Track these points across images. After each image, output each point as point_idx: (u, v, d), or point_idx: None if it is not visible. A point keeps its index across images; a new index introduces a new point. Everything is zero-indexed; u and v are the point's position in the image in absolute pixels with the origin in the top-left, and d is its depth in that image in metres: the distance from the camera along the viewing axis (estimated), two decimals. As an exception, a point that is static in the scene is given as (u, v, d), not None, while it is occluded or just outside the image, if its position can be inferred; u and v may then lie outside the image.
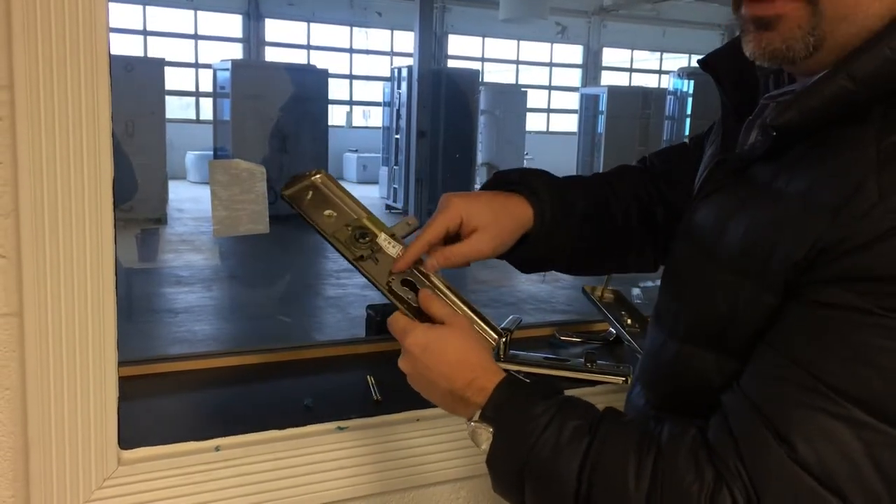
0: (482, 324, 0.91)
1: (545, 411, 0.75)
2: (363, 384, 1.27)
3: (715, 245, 0.77)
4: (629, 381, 1.34)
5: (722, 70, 0.84)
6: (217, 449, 1.05)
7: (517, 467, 0.75)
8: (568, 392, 1.28)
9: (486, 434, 0.78)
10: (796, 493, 0.64)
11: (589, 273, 1.15)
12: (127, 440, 1.00)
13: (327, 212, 0.90)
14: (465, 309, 0.91)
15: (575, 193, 1.03)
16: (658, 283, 0.95)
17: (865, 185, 0.64)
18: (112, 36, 0.93)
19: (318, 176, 0.93)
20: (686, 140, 1.13)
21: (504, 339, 1.42)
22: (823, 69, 0.72)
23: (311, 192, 0.92)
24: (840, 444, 0.63)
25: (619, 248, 1.07)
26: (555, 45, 17.39)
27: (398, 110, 11.29)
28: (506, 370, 0.82)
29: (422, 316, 0.85)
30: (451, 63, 15.68)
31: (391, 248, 0.90)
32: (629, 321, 1.56)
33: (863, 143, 0.67)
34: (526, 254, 0.99)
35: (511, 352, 1.43)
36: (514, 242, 0.97)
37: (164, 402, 1.22)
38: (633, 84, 17.16)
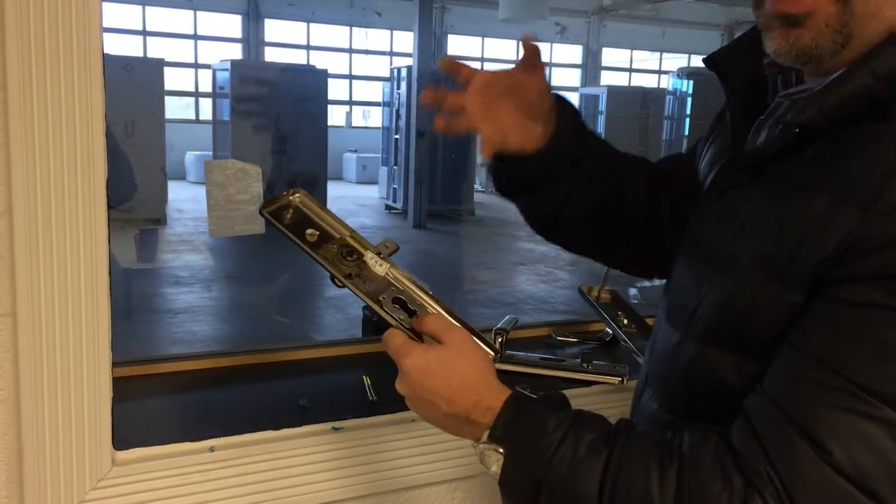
0: (476, 339, 0.90)
1: (558, 426, 0.73)
2: (359, 384, 1.27)
3: (732, 243, 0.76)
4: (625, 382, 1.34)
5: (728, 68, 0.83)
6: (212, 449, 1.05)
7: (533, 486, 0.73)
8: (564, 393, 1.28)
9: (495, 455, 0.75)
10: (832, 496, 0.63)
11: (593, 251, 1.12)
12: (121, 441, 1.00)
13: (309, 231, 0.89)
14: (458, 324, 0.90)
15: (597, 141, 1.04)
16: (655, 283, 0.94)
17: (893, 181, 0.64)
18: (111, 36, 0.93)
19: (296, 195, 0.91)
20: (685, 147, 1.12)
21: (500, 340, 1.43)
22: (842, 69, 0.72)
23: (290, 211, 0.90)
24: (874, 446, 0.62)
25: (626, 223, 1.05)
26: (554, 44, 17.37)
27: (398, 110, 11.29)
28: (511, 387, 0.80)
29: (416, 333, 0.82)
30: (451, 63, 15.65)
31: (378, 266, 0.89)
32: (626, 321, 1.56)
33: (885, 140, 0.67)
34: (545, 163, 0.98)
35: (507, 352, 1.43)
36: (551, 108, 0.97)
37: (159, 402, 1.22)
38: (632, 84, 17.16)
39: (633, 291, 4.07)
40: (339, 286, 0.87)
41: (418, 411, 0.82)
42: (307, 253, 0.87)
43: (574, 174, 1.00)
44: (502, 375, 0.81)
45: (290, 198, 0.90)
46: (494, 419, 0.76)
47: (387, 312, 0.85)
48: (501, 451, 0.75)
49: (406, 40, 13.48)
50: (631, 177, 1.05)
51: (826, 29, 0.71)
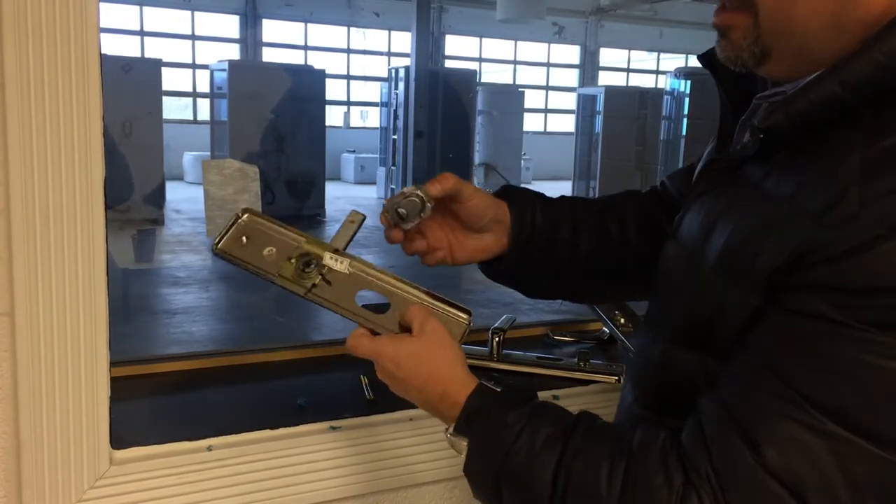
0: (449, 308, 0.91)
1: (517, 420, 0.76)
2: (356, 383, 1.27)
3: (703, 246, 0.77)
4: (621, 381, 1.34)
5: (721, 66, 0.83)
6: (209, 449, 1.05)
7: (493, 476, 0.77)
8: (561, 392, 1.29)
9: (462, 445, 0.80)
10: (763, 499, 0.64)
11: (598, 299, 1.16)
12: (119, 440, 1.00)
13: (266, 250, 0.89)
14: (428, 297, 0.92)
15: (563, 207, 1.04)
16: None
17: (848, 192, 0.64)
18: (109, 36, 0.93)
19: (244, 217, 0.91)
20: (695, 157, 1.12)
21: (497, 340, 1.43)
22: (788, 75, 0.75)
23: (244, 237, 0.90)
24: (809, 454, 0.63)
25: (621, 265, 1.06)
26: (552, 45, 17.40)
27: (396, 110, 11.29)
28: (478, 379, 0.83)
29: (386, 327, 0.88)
30: (449, 63, 15.68)
31: (339, 264, 0.90)
32: (622, 320, 1.56)
33: (849, 149, 0.66)
34: (516, 260, 1.00)
35: (504, 351, 1.43)
36: (498, 217, 0.99)
37: (157, 401, 1.22)
38: (630, 84, 17.17)
39: (630, 291, 4.08)
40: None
41: (400, 395, 0.87)
42: (267, 279, 0.89)
43: (552, 257, 1.02)
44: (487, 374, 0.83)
45: (239, 221, 0.91)
46: (459, 412, 0.80)
47: (351, 315, 0.88)
48: (465, 441, 0.79)
49: (404, 40, 13.47)
50: (616, 214, 1.06)
51: (743, 42, 0.74)
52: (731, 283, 0.72)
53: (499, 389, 0.82)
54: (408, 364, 0.83)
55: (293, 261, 0.89)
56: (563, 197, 1.08)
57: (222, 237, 0.90)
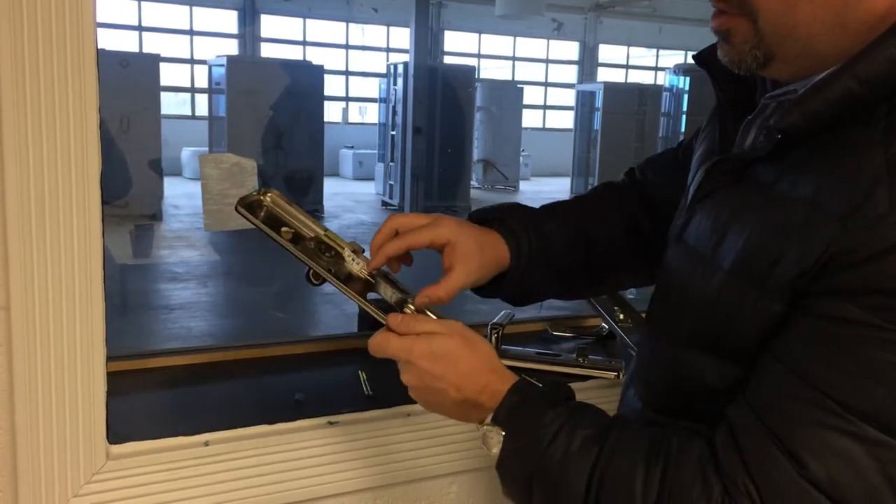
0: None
1: (555, 419, 0.75)
2: (354, 379, 1.27)
3: (716, 250, 0.76)
4: (621, 377, 1.34)
5: (717, 66, 0.82)
6: (206, 444, 1.04)
7: (526, 473, 0.75)
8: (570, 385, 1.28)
9: (497, 437, 0.77)
10: None
11: (586, 296, 1.15)
12: (116, 435, 1.00)
13: (284, 229, 0.86)
14: None
15: (551, 225, 1.02)
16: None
17: (875, 193, 0.63)
18: (107, 31, 0.93)
19: (268, 196, 0.88)
20: (681, 140, 1.12)
21: (496, 335, 1.42)
22: (794, 76, 0.74)
23: (263, 211, 0.88)
24: (851, 462, 0.62)
25: (610, 270, 1.06)
26: (551, 41, 17.38)
27: (394, 106, 11.28)
28: (518, 374, 0.81)
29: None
30: (448, 59, 15.67)
31: (355, 264, 0.88)
32: (622, 316, 1.56)
33: (869, 148, 0.65)
34: (510, 291, 0.99)
35: (503, 346, 1.43)
36: (490, 276, 0.96)
37: (154, 396, 1.22)
38: (629, 80, 17.16)
39: (629, 287, 4.07)
40: (314, 284, 0.86)
41: (425, 400, 0.83)
42: (286, 248, 0.86)
43: (542, 262, 1.00)
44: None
45: (262, 198, 0.88)
46: (499, 402, 0.78)
47: (368, 307, 0.84)
48: (503, 433, 0.77)
49: (403, 36, 13.47)
50: (599, 220, 1.05)
51: (745, 45, 0.73)
52: (749, 288, 0.70)
53: (539, 385, 0.80)
54: (445, 357, 0.79)
55: (311, 243, 0.87)
56: (546, 212, 1.04)
57: (244, 201, 0.87)
